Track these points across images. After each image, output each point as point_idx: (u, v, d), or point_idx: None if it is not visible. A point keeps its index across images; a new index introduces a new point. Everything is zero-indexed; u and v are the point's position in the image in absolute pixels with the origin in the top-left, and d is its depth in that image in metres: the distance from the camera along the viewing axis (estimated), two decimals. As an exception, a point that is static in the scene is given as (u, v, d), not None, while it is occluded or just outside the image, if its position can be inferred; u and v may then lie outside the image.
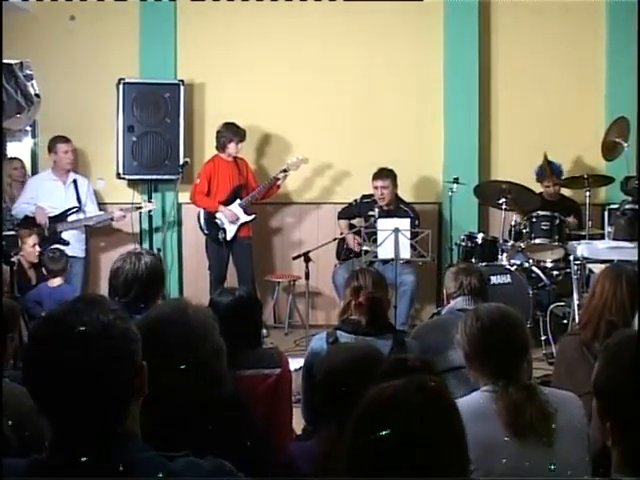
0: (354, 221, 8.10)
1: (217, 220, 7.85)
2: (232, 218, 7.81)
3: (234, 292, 3.69)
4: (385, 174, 7.76)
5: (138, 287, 3.70)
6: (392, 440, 1.61)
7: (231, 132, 7.84)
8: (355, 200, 8.08)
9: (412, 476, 1.58)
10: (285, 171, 7.88)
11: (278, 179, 7.90)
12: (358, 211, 8.05)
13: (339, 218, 8.21)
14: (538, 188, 7.84)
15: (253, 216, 7.94)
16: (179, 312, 2.46)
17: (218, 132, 7.89)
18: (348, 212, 8.16)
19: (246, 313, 3.60)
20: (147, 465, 1.64)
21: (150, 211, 8.07)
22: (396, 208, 7.79)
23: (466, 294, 4.14)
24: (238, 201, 7.85)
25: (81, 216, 7.76)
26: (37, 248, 6.59)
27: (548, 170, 7.86)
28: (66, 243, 7.47)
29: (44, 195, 7.63)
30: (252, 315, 3.67)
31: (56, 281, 6.36)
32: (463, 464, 1.69)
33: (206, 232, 7.92)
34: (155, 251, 7.79)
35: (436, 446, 1.62)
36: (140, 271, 3.74)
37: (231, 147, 7.85)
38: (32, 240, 6.60)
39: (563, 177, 7.92)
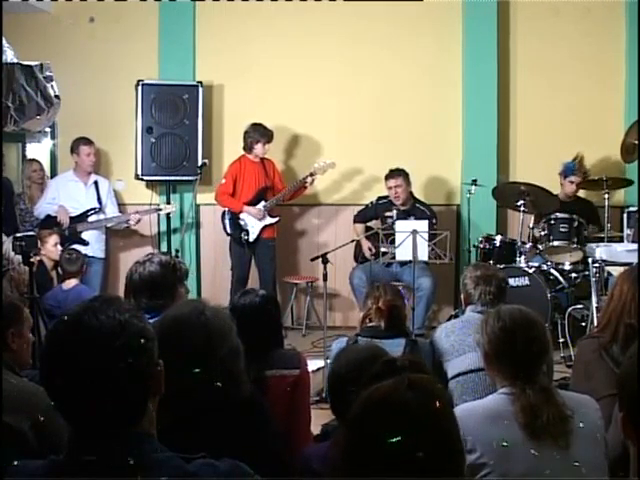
0: (371, 223, 8.10)
1: (241, 221, 7.85)
2: (259, 215, 7.79)
3: (254, 294, 3.72)
4: (396, 173, 7.75)
5: (141, 296, 3.64)
6: (386, 440, 1.60)
7: (258, 133, 7.81)
8: (371, 202, 8.08)
9: (408, 475, 1.57)
10: (312, 175, 7.86)
11: (305, 182, 7.88)
12: (374, 213, 8.04)
13: (355, 222, 8.19)
14: (555, 189, 7.80)
15: (277, 218, 7.94)
16: (196, 313, 2.47)
17: (245, 133, 7.86)
18: (364, 215, 8.15)
19: (266, 314, 3.63)
20: (163, 466, 1.64)
21: (169, 213, 8.10)
22: (412, 207, 7.80)
23: (486, 301, 4.15)
24: (263, 203, 7.83)
25: (101, 217, 7.81)
26: (59, 247, 6.62)
27: (583, 166, 7.83)
28: (86, 243, 7.55)
29: (66, 195, 7.71)
30: (272, 316, 3.70)
31: (71, 282, 6.31)
32: (457, 461, 1.69)
33: (229, 232, 7.91)
34: (173, 252, 7.84)
35: (430, 443, 1.61)
36: (142, 279, 3.69)
37: (258, 148, 7.83)
38: (53, 240, 6.63)
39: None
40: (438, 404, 1.70)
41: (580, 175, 7.77)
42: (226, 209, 7.93)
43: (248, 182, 7.87)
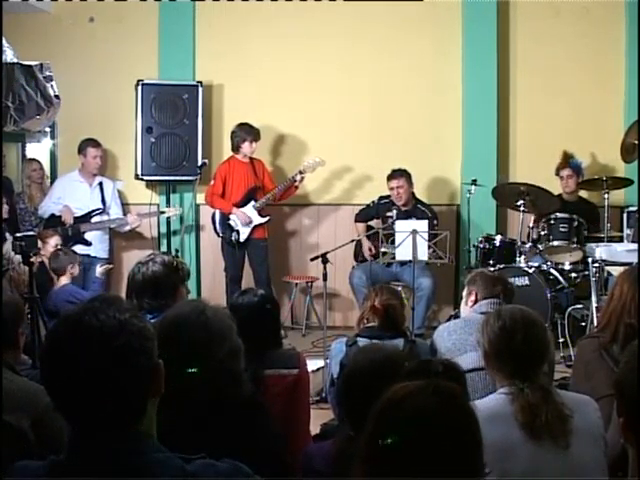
0: (372, 222, 8.10)
1: (231, 222, 7.84)
2: (245, 221, 7.80)
3: (253, 293, 3.71)
4: (399, 173, 7.76)
5: (143, 296, 3.65)
6: (403, 441, 1.59)
7: (244, 131, 7.82)
8: (373, 201, 8.07)
9: (422, 478, 1.56)
10: (301, 173, 7.86)
11: (295, 181, 7.88)
12: (376, 212, 8.04)
13: (356, 221, 8.20)
14: (557, 190, 7.81)
15: (267, 218, 7.93)
16: (197, 313, 2.47)
17: (232, 133, 7.88)
18: (366, 214, 8.15)
19: (265, 314, 3.62)
20: (163, 466, 1.64)
21: (169, 218, 8.11)
22: (414, 208, 7.80)
23: (507, 294, 4.15)
24: (252, 203, 7.83)
25: (105, 218, 7.81)
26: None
27: (564, 162, 7.92)
28: (88, 243, 7.55)
29: (70, 195, 7.71)
30: (271, 316, 3.69)
31: (62, 280, 6.27)
32: (476, 471, 1.66)
33: (220, 234, 7.92)
34: (173, 253, 7.83)
35: (447, 451, 1.59)
36: (145, 279, 3.69)
37: (245, 147, 7.84)
38: (54, 241, 6.62)
39: (583, 176, 7.93)
40: (460, 416, 1.68)
41: (565, 167, 7.85)
42: (216, 210, 7.93)
43: (237, 182, 7.86)
